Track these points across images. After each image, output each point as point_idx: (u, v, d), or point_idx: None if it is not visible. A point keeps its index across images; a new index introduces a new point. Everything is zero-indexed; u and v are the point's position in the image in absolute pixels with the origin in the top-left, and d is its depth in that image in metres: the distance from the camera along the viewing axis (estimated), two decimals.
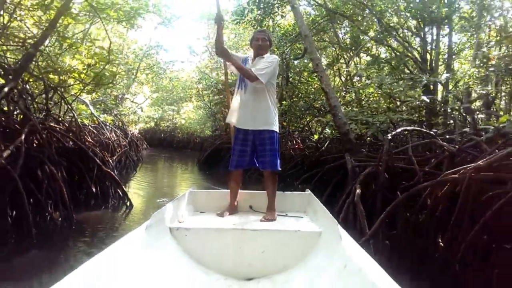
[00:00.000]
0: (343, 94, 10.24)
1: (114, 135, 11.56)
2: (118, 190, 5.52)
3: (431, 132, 3.88)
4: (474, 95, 6.36)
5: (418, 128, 4.10)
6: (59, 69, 6.23)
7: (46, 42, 5.95)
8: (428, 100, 4.22)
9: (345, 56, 9.87)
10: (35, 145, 4.78)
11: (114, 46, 11.70)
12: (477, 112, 4.94)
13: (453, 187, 2.61)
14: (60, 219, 4.27)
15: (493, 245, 2.27)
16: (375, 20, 7.74)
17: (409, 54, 7.57)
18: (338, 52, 10.59)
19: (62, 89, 6.45)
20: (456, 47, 8.54)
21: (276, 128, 2.84)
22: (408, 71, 7.61)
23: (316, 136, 9.47)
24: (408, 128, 4.03)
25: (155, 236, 2.09)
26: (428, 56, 7.42)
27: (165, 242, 2.22)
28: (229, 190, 3.00)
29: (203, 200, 3.13)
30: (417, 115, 6.38)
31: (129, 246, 1.79)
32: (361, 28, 8.22)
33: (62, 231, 4.10)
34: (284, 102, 11.87)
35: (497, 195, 2.29)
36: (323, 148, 8.27)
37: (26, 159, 4.07)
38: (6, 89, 4.58)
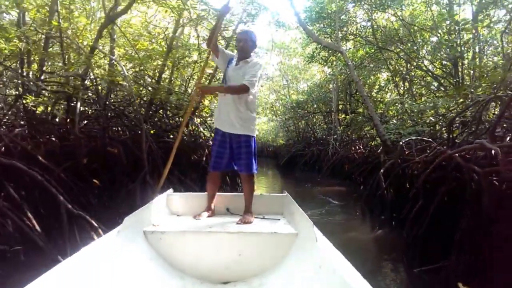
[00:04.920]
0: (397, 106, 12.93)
1: None
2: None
3: (430, 140, 6.71)
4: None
5: (419, 137, 6.87)
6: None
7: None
8: (432, 119, 7.05)
9: (396, 79, 12.64)
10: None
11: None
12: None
13: (418, 166, 5.59)
14: None
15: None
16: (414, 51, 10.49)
17: (443, 77, 10.09)
18: (390, 74, 13.36)
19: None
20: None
21: (252, 133, 2.86)
22: (443, 90, 10.14)
23: (371, 143, 12.32)
24: (413, 137, 6.89)
25: (127, 240, 2.05)
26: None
27: (138, 246, 2.17)
28: (206, 193, 3.00)
29: (180, 203, 3.08)
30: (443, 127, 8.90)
31: (99, 251, 1.74)
32: (404, 58, 10.99)
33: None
34: (347, 117, 14.87)
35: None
36: (378, 151, 11.14)
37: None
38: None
